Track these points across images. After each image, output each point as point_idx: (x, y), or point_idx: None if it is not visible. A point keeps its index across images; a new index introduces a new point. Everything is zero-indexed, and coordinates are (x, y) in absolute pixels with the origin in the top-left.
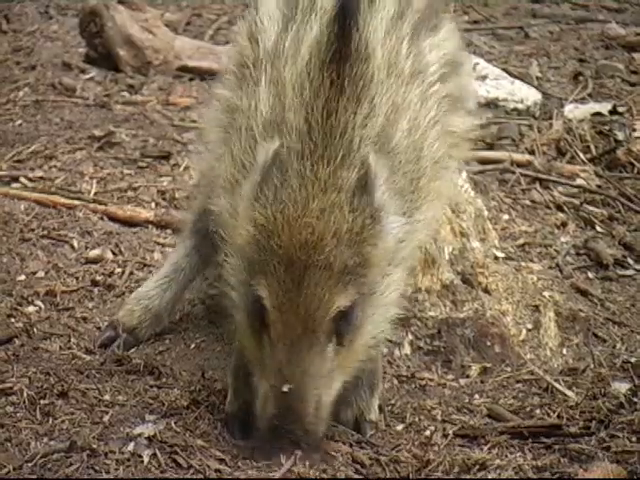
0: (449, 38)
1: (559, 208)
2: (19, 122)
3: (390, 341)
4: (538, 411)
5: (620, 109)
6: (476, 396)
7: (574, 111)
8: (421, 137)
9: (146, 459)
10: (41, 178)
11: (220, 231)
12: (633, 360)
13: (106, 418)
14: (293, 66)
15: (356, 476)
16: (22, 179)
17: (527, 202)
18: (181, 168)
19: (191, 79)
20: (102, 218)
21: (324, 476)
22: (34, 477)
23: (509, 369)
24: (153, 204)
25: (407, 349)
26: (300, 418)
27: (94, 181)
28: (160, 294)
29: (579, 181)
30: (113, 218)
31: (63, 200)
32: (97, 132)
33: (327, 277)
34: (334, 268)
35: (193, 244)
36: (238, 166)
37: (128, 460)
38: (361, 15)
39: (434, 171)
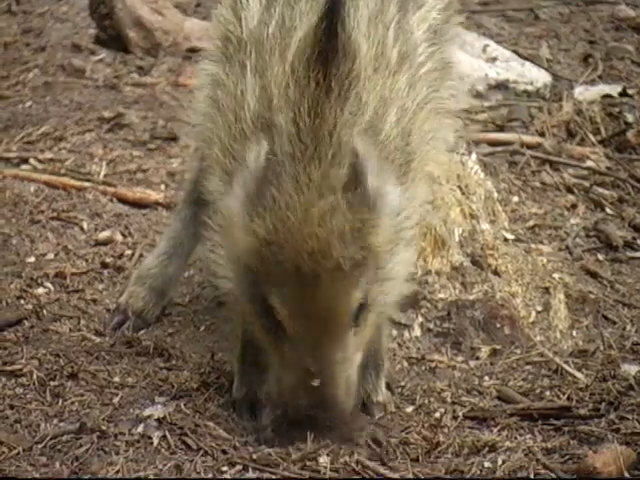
0: (435, 6)
1: (569, 190)
2: (29, 104)
3: (400, 323)
4: (548, 393)
5: (630, 91)
6: (486, 378)
7: (584, 93)
8: (409, 122)
9: (156, 441)
10: (51, 160)
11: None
12: None
13: (116, 400)
14: (279, 61)
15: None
16: (32, 161)
17: (537, 184)
18: (190, 150)
19: None
20: (112, 200)
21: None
22: (44, 458)
23: (519, 351)
24: (163, 186)
25: (417, 331)
26: (334, 406)
27: (104, 163)
28: (162, 271)
29: (589, 163)
30: (123, 200)
31: (73, 182)
32: (107, 114)
33: (341, 278)
34: (345, 268)
35: (190, 215)
36: (229, 156)
37: (138, 442)
38: (346, 10)
39: (424, 152)
